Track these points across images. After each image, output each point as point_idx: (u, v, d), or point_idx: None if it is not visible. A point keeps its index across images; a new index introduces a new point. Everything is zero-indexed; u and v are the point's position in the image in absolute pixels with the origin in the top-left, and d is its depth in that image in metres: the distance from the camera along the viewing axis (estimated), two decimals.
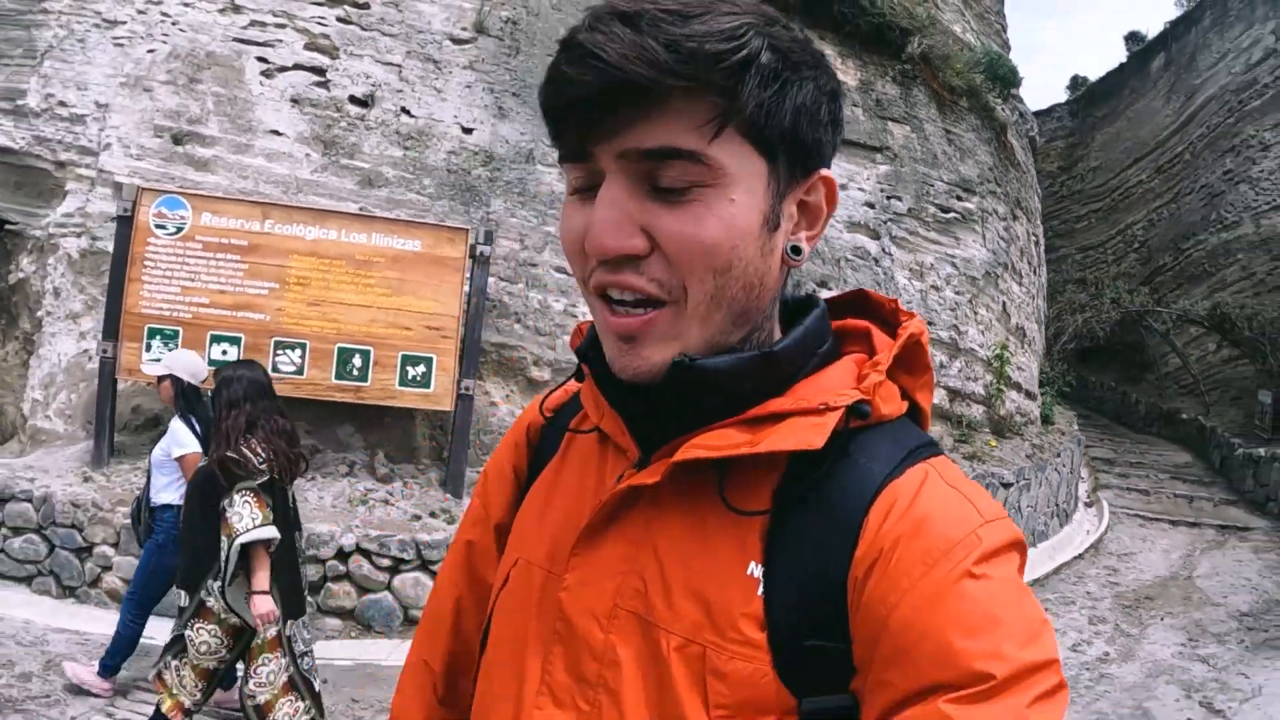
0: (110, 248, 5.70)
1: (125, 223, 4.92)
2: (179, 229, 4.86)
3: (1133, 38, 19.72)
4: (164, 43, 6.30)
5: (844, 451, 0.53)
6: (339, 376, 4.94)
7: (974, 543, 0.49)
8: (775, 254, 0.56)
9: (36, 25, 6.19)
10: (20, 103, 6.04)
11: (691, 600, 0.53)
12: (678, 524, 0.56)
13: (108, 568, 4.52)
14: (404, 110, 6.61)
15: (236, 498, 2.68)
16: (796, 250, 0.57)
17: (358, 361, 4.97)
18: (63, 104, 6.12)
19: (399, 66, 6.68)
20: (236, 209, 4.98)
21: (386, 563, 4.65)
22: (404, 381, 5.05)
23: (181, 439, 3.41)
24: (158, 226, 4.86)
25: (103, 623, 4.17)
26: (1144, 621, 5.93)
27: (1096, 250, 18.21)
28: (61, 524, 4.49)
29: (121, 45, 6.27)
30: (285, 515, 2.91)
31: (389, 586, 4.66)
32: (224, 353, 4.76)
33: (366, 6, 6.76)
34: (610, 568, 0.58)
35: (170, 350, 4.69)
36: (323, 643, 4.45)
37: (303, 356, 4.88)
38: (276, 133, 6.23)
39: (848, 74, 8.55)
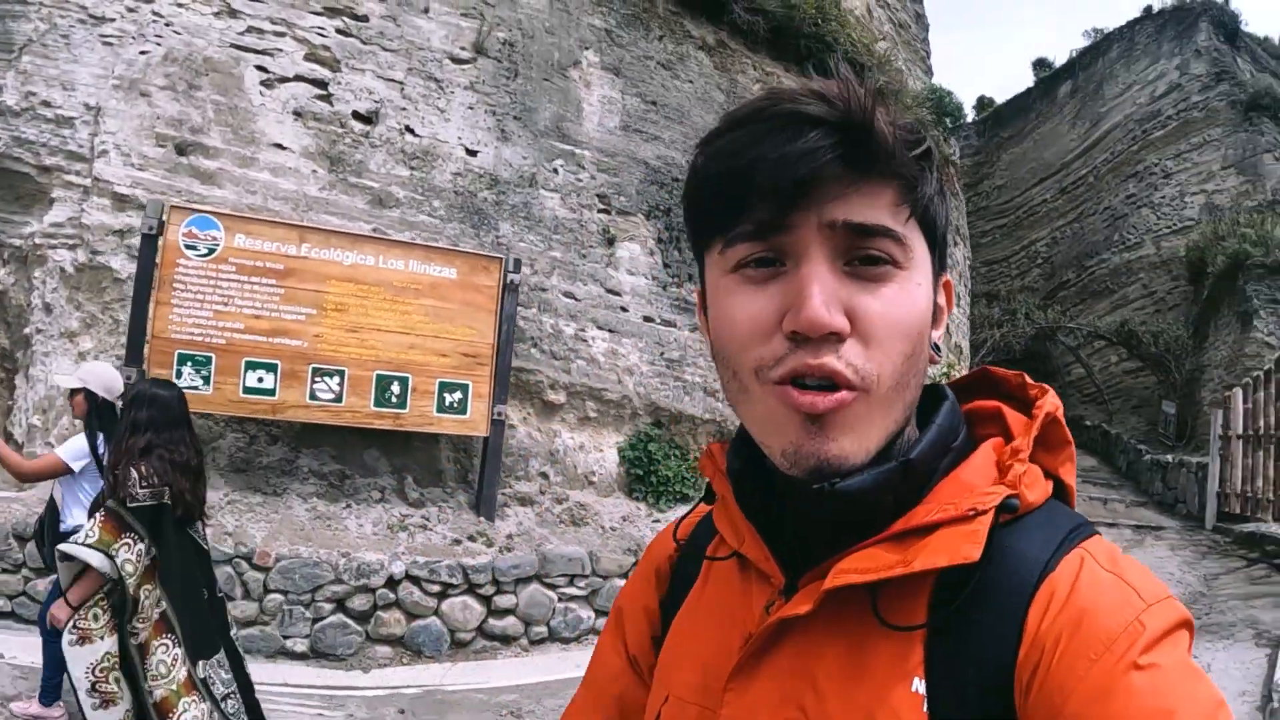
0: (113, 263, 5.77)
1: (150, 241, 4.93)
2: (211, 250, 4.93)
3: (1040, 64, 21.96)
4: (158, 44, 6.26)
5: (996, 551, 0.52)
6: (378, 404, 5.19)
7: (1137, 631, 0.48)
8: (928, 350, 0.57)
9: (12, 16, 5.97)
10: None
11: None
12: (833, 650, 0.55)
13: None
14: (408, 129, 6.83)
15: (95, 515, 2.68)
16: (936, 348, 0.59)
17: (396, 388, 5.23)
18: (46, 104, 5.96)
19: (401, 83, 6.91)
20: (272, 231, 5.09)
21: (436, 588, 4.91)
22: (441, 408, 5.32)
23: (69, 447, 3.37)
24: (188, 247, 4.90)
25: None
26: None
27: (1001, 264, 20.13)
28: None
29: (111, 44, 6.17)
30: (182, 552, 2.80)
31: (437, 611, 4.91)
32: (260, 380, 4.85)
33: (365, 19, 6.94)
34: (767, 702, 0.57)
35: (202, 374, 4.71)
36: (377, 670, 4.68)
37: (341, 384, 5.07)
38: (280, 146, 6.35)
39: None
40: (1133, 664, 0.47)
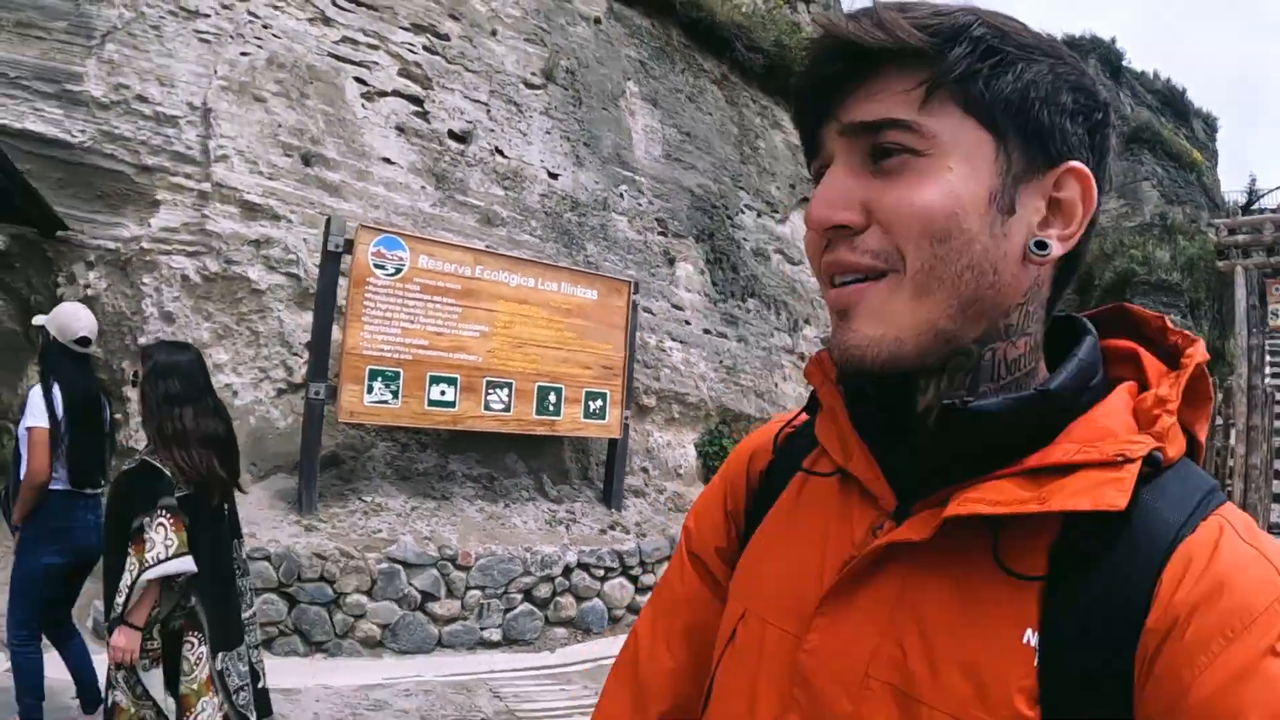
0: (250, 273, 6.04)
1: (334, 259, 5.33)
2: (398, 270, 5.46)
3: None
4: (259, 47, 6.48)
5: (1131, 505, 0.50)
6: (538, 412, 6.01)
7: (1278, 612, 0.47)
8: (1012, 242, 0.56)
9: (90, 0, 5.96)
10: (71, 88, 5.74)
11: (960, 673, 0.52)
12: (943, 586, 0.54)
13: (360, 615, 4.98)
14: (498, 150, 7.63)
15: (155, 517, 2.47)
16: (1041, 245, 0.57)
17: (553, 398, 6.11)
18: (143, 98, 5.95)
19: (486, 105, 7.73)
20: (451, 253, 5.73)
21: (600, 573, 5.85)
22: (587, 414, 6.26)
23: (32, 407, 3.17)
24: (377, 266, 5.39)
25: (366, 672, 4.78)
26: None
27: None
28: (308, 579, 4.83)
29: (208, 42, 6.28)
30: (214, 540, 2.69)
31: (599, 593, 5.86)
32: (442, 393, 5.50)
33: (446, 39, 7.66)
34: (862, 632, 0.57)
35: (390, 388, 5.28)
36: (561, 649, 5.52)
37: (509, 394, 5.86)
38: (389, 161, 6.91)
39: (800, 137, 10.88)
40: (1270, 648, 0.46)
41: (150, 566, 2.41)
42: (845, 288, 0.56)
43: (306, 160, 6.32)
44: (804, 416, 0.72)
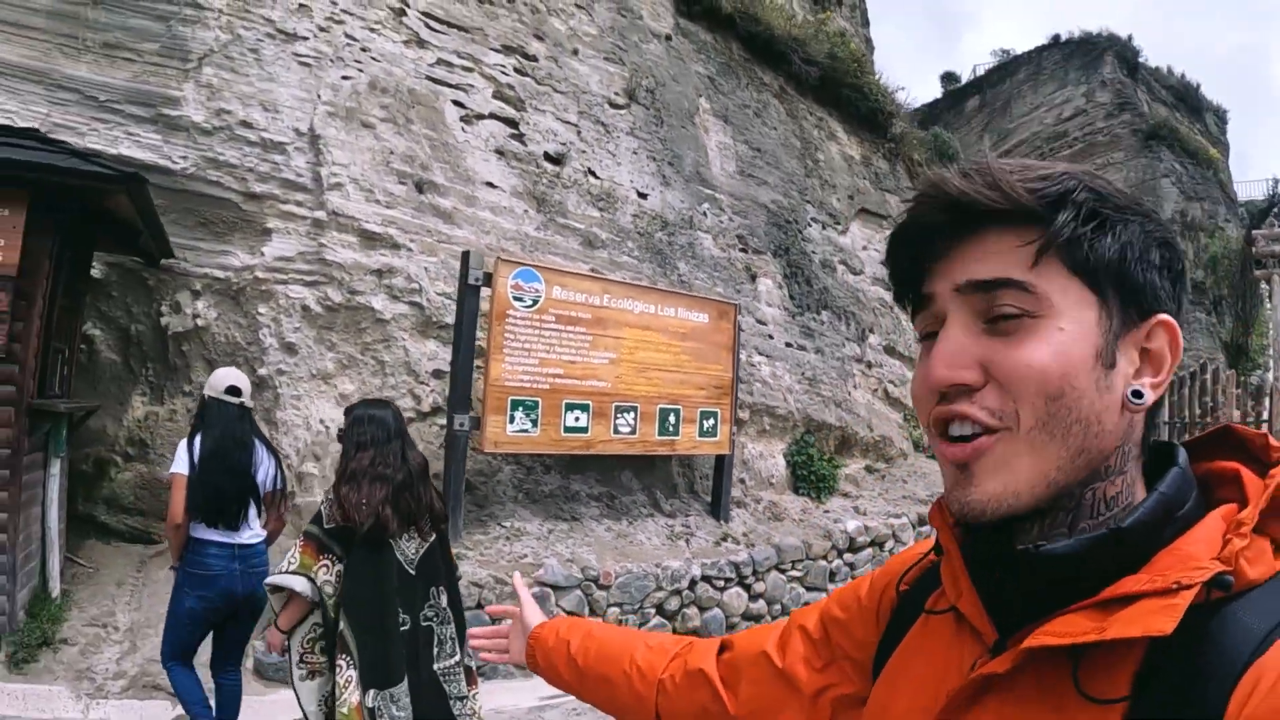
0: (374, 303, 6.00)
1: (474, 292, 5.38)
2: (535, 301, 5.54)
3: (948, 77, 25.72)
4: (360, 71, 6.44)
5: (1210, 628, 0.53)
6: (660, 433, 6.16)
7: None
8: (1114, 394, 0.60)
9: (183, 21, 5.82)
10: (169, 112, 5.70)
11: None
12: (1032, 714, 0.58)
13: None
14: (591, 171, 7.68)
15: (297, 542, 2.81)
16: (1137, 395, 0.60)
17: (672, 419, 6.23)
18: (247, 124, 5.92)
19: (577, 126, 7.75)
20: (580, 283, 5.81)
21: (720, 583, 6.14)
22: (701, 433, 6.41)
23: (176, 459, 3.51)
24: (515, 298, 5.46)
25: (524, 693, 4.85)
26: None
27: None
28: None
29: (309, 65, 6.24)
30: (375, 574, 2.80)
31: (719, 603, 6.16)
32: (576, 419, 5.68)
33: (534, 59, 7.69)
34: None
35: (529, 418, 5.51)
36: None
37: (635, 418, 5.99)
38: (492, 185, 6.92)
39: (853, 148, 11.21)
40: None
41: (269, 574, 2.82)
42: (964, 444, 0.60)
43: (420, 187, 6.32)
44: (932, 556, 0.78)
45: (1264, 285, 10.14)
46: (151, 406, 6.16)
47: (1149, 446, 0.65)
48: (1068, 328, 0.59)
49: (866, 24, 15.77)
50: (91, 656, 4.66)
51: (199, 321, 5.97)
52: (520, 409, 5.53)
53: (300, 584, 2.69)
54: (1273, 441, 0.64)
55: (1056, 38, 20.50)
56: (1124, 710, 0.54)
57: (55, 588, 4.87)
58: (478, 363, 5.54)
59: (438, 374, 6.03)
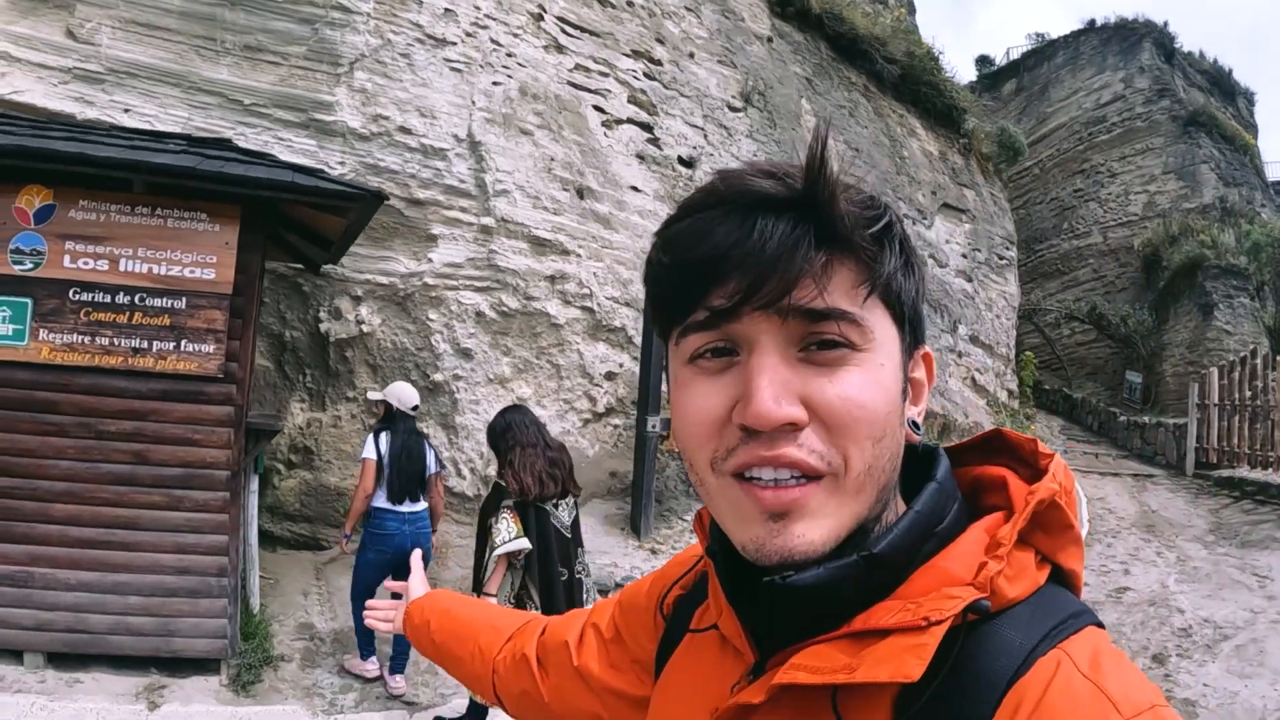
0: (549, 309, 6.10)
1: None
2: None
3: (983, 60, 25.55)
4: (508, 77, 6.45)
5: (967, 651, 0.52)
6: None
7: None
8: (904, 428, 0.59)
9: (331, 25, 5.78)
10: (322, 117, 5.68)
11: None
12: None
13: None
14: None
15: (499, 515, 3.45)
16: (915, 425, 0.61)
17: None
18: (405, 130, 5.89)
19: (703, 130, 7.76)
20: None
21: None
22: None
23: (365, 448, 4.46)
24: None
25: None
26: (1167, 538, 10.07)
27: None
28: None
29: (460, 71, 6.23)
30: (541, 537, 3.54)
31: None
32: None
33: (659, 63, 7.69)
34: None
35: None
36: None
37: None
38: (636, 189, 7.00)
39: (931, 144, 11.64)
40: None
41: (499, 546, 3.38)
42: (785, 489, 0.54)
43: (580, 193, 6.38)
44: (704, 564, 0.74)
45: None
46: (313, 413, 6.21)
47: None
48: (886, 363, 0.56)
49: (913, 10, 16.11)
50: (311, 671, 4.68)
51: (364, 328, 6.02)
52: None
53: (526, 543, 3.41)
54: (1041, 447, 0.63)
55: (1092, 22, 20.45)
56: None
57: (255, 604, 4.96)
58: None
59: (610, 376, 6.14)
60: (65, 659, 4.21)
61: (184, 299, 4.21)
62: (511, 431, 3.74)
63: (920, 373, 0.63)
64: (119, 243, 4.15)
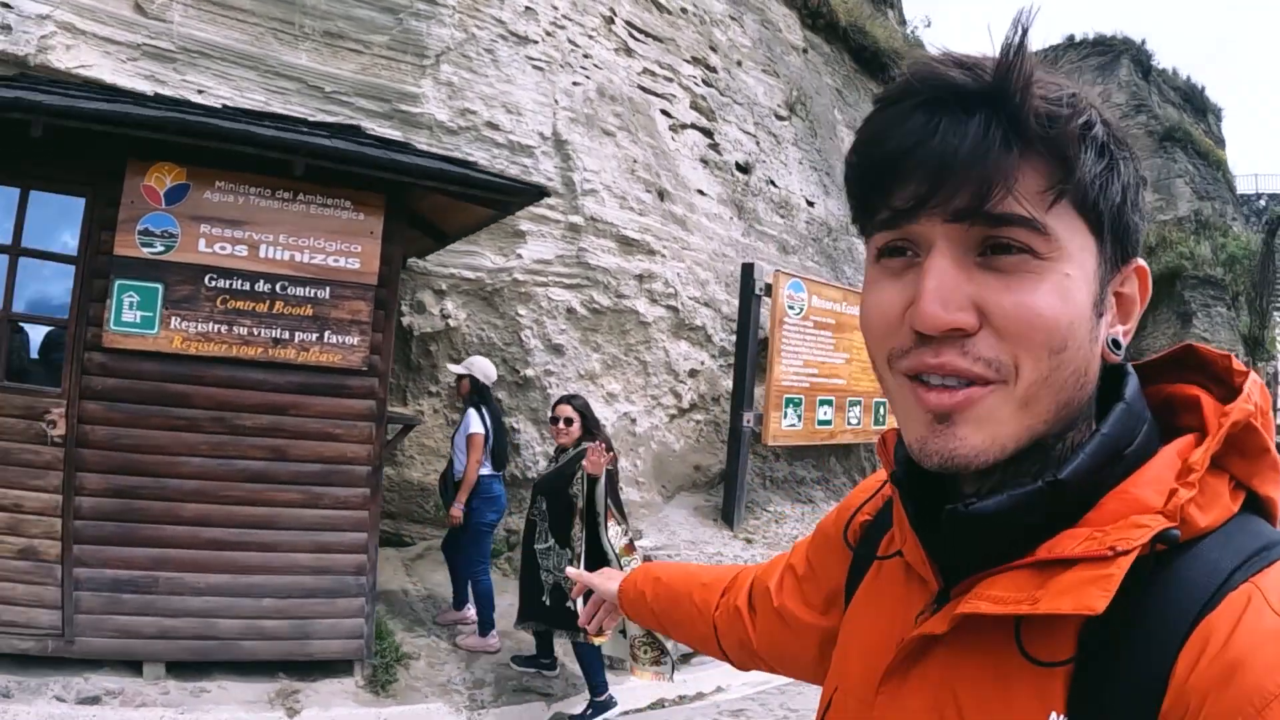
0: (637, 307, 6.07)
1: (756, 300, 5.64)
2: (800, 310, 5.78)
3: None
4: (586, 77, 6.42)
5: (1157, 582, 0.51)
6: (875, 423, 6.59)
7: None
8: (1099, 344, 0.55)
9: (417, 16, 5.68)
10: (407, 108, 5.59)
11: None
12: (974, 673, 0.56)
13: None
14: (771, 181, 7.75)
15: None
16: (1116, 344, 0.57)
17: (882, 410, 6.70)
18: (493, 125, 5.84)
19: (755, 137, 7.81)
20: (828, 291, 6.03)
21: None
22: None
23: (473, 423, 4.63)
24: (789, 307, 5.71)
25: None
26: None
27: None
28: None
29: (541, 70, 6.19)
30: (612, 485, 4.09)
31: None
32: (824, 414, 6.24)
33: (715, 70, 7.74)
34: (913, 710, 0.60)
35: (792, 413, 6.13)
36: None
37: (860, 410, 6.48)
38: (702, 193, 7.00)
39: None
40: None
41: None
42: (950, 392, 0.53)
43: (661, 195, 6.43)
44: (888, 490, 0.74)
45: None
46: (394, 408, 5.86)
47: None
48: (1074, 274, 0.53)
49: (904, 22, 16.75)
50: (439, 668, 4.60)
51: (449, 322, 5.91)
52: (790, 405, 6.08)
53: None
54: (1236, 364, 0.60)
55: (1071, 38, 21.01)
56: (1068, 672, 0.52)
57: None
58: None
59: (692, 373, 6.12)
60: (185, 667, 3.98)
61: (328, 289, 4.07)
62: (591, 413, 4.37)
63: (1131, 288, 0.59)
64: (259, 228, 3.98)
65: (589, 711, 4.14)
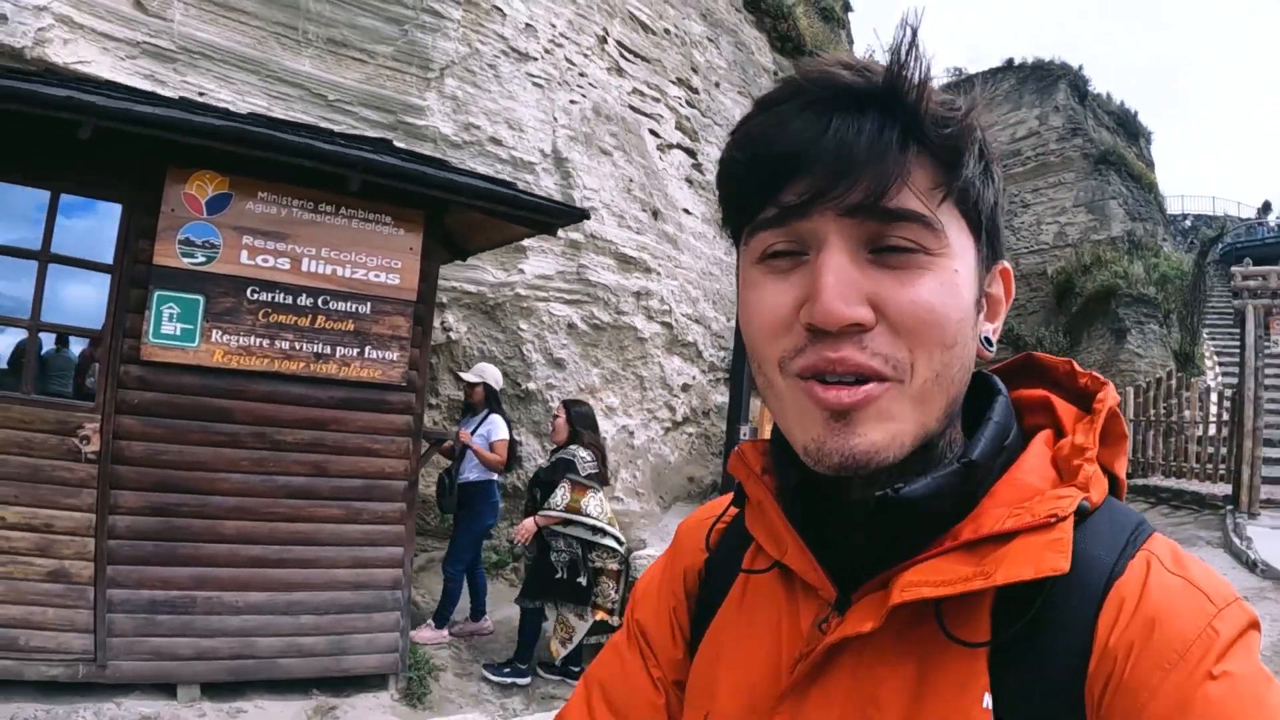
0: (635, 323, 6.23)
1: None
2: None
3: None
4: (583, 96, 6.62)
5: None
6: None
7: (1210, 638, 0.49)
8: (976, 341, 0.58)
9: (423, 29, 5.76)
10: (412, 121, 5.69)
11: None
12: (897, 669, 0.55)
13: None
14: None
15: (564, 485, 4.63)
16: (988, 341, 0.60)
17: None
18: (496, 141, 5.97)
19: None
20: None
21: None
22: None
23: (500, 429, 4.93)
24: None
25: None
26: None
27: None
28: None
29: (541, 87, 6.35)
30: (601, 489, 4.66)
31: None
32: None
33: (697, 91, 8.10)
34: None
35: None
36: None
37: None
38: (688, 211, 7.29)
39: None
40: (1208, 674, 0.48)
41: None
42: (849, 389, 0.53)
43: (655, 214, 6.65)
44: (733, 510, 0.73)
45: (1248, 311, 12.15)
46: None
47: None
48: (961, 270, 0.55)
49: (851, 42, 17.58)
50: (466, 679, 4.70)
51: (451, 335, 6.02)
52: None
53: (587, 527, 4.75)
54: (1078, 368, 0.64)
55: (1010, 61, 21.71)
56: (988, 651, 0.53)
57: None
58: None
59: (685, 388, 6.40)
60: (219, 688, 3.97)
61: (369, 304, 4.14)
62: (589, 417, 4.76)
63: (998, 288, 0.62)
64: (301, 241, 4.03)
65: (506, 670, 4.65)
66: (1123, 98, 23.88)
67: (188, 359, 3.74)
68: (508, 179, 5.74)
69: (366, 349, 4.03)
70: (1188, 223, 25.29)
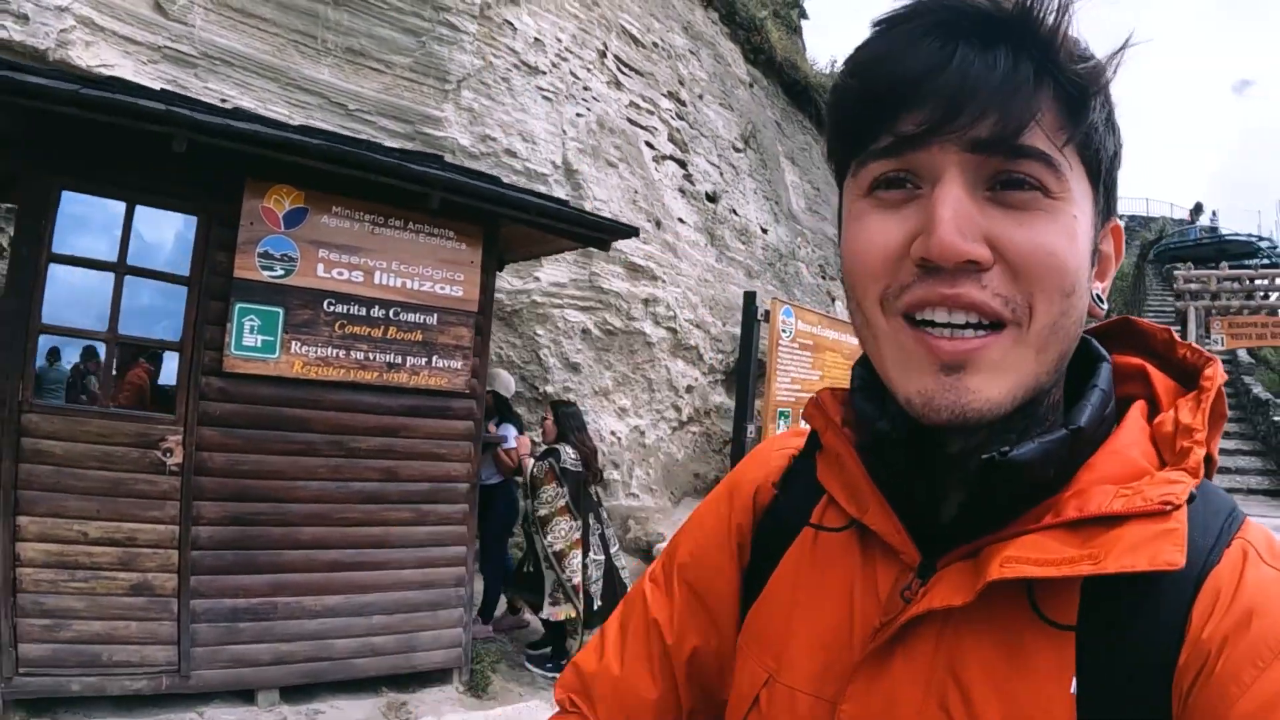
0: (644, 328, 6.63)
1: (757, 325, 6.33)
2: (790, 333, 6.51)
3: None
4: (587, 109, 6.88)
5: None
6: None
7: None
8: (1088, 297, 0.54)
9: (440, 41, 5.86)
10: (430, 131, 5.78)
11: None
12: (982, 642, 0.53)
13: None
14: (733, 210, 8.56)
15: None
16: (1099, 298, 0.56)
17: None
18: (511, 153, 6.14)
19: (719, 168, 8.59)
20: (810, 316, 6.72)
21: None
22: None
23: (512, 435, 5.16)
24: (782, 331, 6.37)
25: None
26: None
27: None
28: None
29: (550, 100, 6.56)
30: (587, 498, 4.81)
31: None
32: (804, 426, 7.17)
33: (685, 104, 8.47)
34: (901, 696, 0.55)
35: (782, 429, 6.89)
36: None
37: None
38: (682, 221, 7.66)
39: None
40: None
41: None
42: (963, 339, 0.50)
43: (658, 224, 6.98)
44: (797, 448, 0.71)
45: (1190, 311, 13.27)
46: None
47: None
48: (1080, 217, 0.52)
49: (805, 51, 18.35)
50: (518, 669, 4.92)
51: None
52: (782, 418, 6.90)
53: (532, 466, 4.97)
54: (1177, 338, 0.62)
55: None
56: (1076, 634, 0.51)
57: None
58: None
59: (689, 389, 6.84)
60: (295, 691, 4.13)
61: (435, 315, 4.34)
62: (579, 418, 5.06)
63: (1109, 246, 0.59)
64: (373, 254, 4.20)
65: (549, 664, 4.92)
66: None
67: (269, 370, 3.87)
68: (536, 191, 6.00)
69: (434, 358, 4.24)
70: (1123, 224, 27.51)
